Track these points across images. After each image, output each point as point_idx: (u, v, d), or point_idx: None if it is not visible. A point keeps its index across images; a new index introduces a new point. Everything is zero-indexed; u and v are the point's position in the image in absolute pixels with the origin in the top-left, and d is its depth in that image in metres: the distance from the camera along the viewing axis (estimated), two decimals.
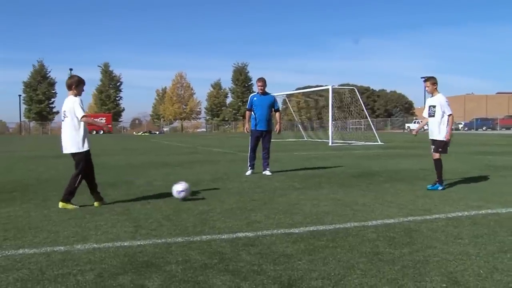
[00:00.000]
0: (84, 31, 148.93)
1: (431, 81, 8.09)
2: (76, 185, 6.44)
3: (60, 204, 6.36)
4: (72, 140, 6.42)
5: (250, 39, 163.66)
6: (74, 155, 6.49)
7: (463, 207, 6.27)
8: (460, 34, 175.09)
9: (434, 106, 8.03)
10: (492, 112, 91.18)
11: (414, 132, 9.09)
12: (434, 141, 8.09)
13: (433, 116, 8.04)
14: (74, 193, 6.48)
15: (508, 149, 19.96)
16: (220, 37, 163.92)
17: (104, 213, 6.06)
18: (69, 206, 6.34)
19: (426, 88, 8.23)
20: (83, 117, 6.35)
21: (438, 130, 7.98)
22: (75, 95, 6.46)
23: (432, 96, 8.14)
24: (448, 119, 7.90)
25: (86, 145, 6.46)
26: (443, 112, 7.92)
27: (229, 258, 4.03)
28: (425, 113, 8.31)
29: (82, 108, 6.36)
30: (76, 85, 6.48)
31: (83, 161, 6.47)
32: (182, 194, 6.89)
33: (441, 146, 7.99)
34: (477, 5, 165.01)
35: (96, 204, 6.53)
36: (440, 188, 7.82)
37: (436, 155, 8.03)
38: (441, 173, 7.97)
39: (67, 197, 6.41)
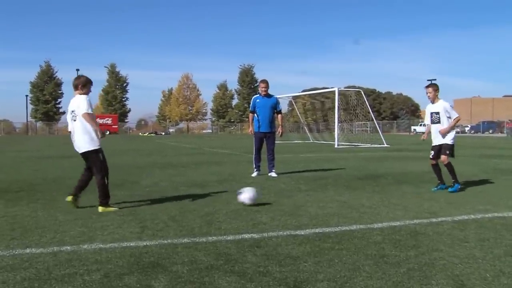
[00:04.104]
0: (91, 32, 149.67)
1: (434, 88, 8.04)
2: (106, 184, 6.30)
3: (100, 209, 6.20)
4: (83, 139, 6.25)
5: (257, 41, 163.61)
6: (88, 154, 6.31)
7: (469, 210, 6.25)
8: (467, 36, 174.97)
9: (437, 113, 8.00)
10: (498, 115, 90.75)
11: (423, 137, 8.83)
12: (440, 146, 8.06)
13: (438, 122, 8.02)
14: (108, 194, 6.35)
15: None
16: (227, 38, 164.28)
17: (110, 213, 6.08)
18: (110, 209, 6.22)
19: (428, 95, 8.08)
20: (85, 113, 6.13)
21: (444, 135, 7.98)
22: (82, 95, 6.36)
23: (434, 103, 8.09)
24: (454, 119, 7.91)
25: (98, 142, 6.31)
26: (449, 118, 7.92)
27: (235, 259, 4.04)
28: (428, 120, 8.29)
29: (88, 105, 6.17)
30: (83, 85, 6.35)
31: (100, 159, 6.32)
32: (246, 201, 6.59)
33: (449, 148, 7.96)
34: (484, 7, 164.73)
35: (69, 198, 6.38)
36: (459, 187, 7.90)
37: (445, 160, 7.95)
38: (455, 173, 7.99)
39: (104, 201, 6.27)
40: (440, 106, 7.99)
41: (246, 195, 6.53)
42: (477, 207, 6.50)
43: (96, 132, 6.28)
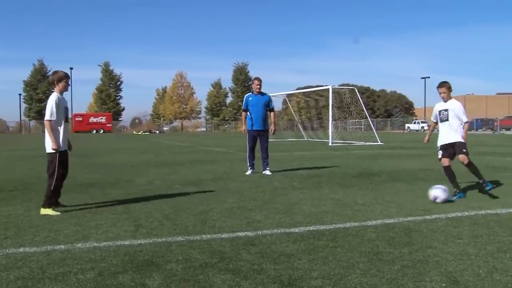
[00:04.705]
0: (85, 30, 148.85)
1: (447, 86, 7.35)
2: (52, 188, 6.06)
3: (41, 210, 6.02)
4: (46, 139, 6.11)
5: (251, 39, 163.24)
6: (47, 154, 6.14)
7: (463, 207, 6.28)
8: (460, 35, 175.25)
9: (446, 110, 7.35)
10: (492, 113, 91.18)
11: (425, 140, 8.07)
12: (452, 145, 7.35)
13: (447, 120, 7.37)
14: (52, 197, 6.11)
15: (508, 150, 19.97)
16: (221, 36, 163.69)
17: (104, 212, 6.07)
18: (50, 212, 5.96)
19: (442, 95, 7.32)
20: (45, 120, 6.06)
21: (455, 132, 7.29)
22: (60, 91, 6.23)
23: (445, 101, 7.39)
24: (464, 126, 7.28)
25: (57, 145, 6.07)
26: (458, 118, 7.28)
27: (229, 257, 4.04)
28: (434, 118, 7.65)
29: (51, 110, 6.03)
30: (58, 80, 6.20)
31: (54, 162, 6.08)
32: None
33: (465, 146, 7.27)
34: (477, 6, 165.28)
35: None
36: (491, 186, 7.23)
37: (465, 159, 7.18)
38: (479, 171, 7.27)
39: (46, 202, 6.05)
40: (450, 105, 7.30)
41: (443, 196, 6.57)
42: (470, 204, 6.53)
43: (51, 141, 6.03)
